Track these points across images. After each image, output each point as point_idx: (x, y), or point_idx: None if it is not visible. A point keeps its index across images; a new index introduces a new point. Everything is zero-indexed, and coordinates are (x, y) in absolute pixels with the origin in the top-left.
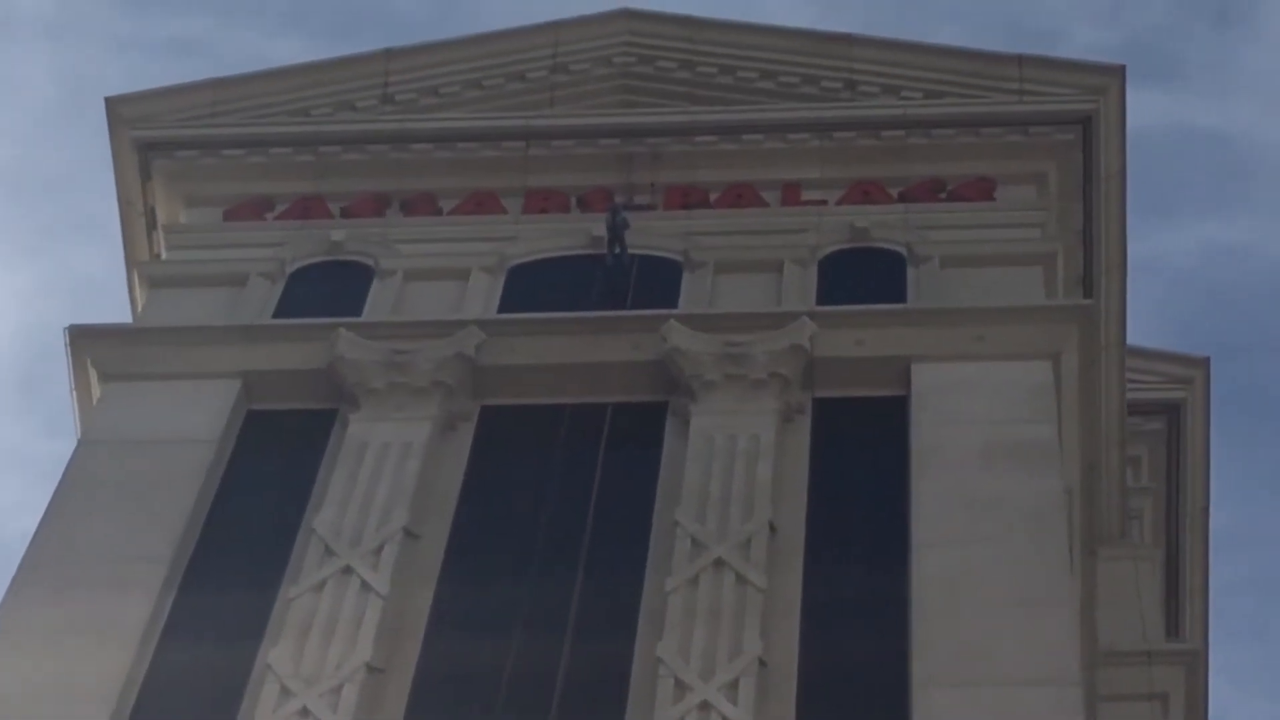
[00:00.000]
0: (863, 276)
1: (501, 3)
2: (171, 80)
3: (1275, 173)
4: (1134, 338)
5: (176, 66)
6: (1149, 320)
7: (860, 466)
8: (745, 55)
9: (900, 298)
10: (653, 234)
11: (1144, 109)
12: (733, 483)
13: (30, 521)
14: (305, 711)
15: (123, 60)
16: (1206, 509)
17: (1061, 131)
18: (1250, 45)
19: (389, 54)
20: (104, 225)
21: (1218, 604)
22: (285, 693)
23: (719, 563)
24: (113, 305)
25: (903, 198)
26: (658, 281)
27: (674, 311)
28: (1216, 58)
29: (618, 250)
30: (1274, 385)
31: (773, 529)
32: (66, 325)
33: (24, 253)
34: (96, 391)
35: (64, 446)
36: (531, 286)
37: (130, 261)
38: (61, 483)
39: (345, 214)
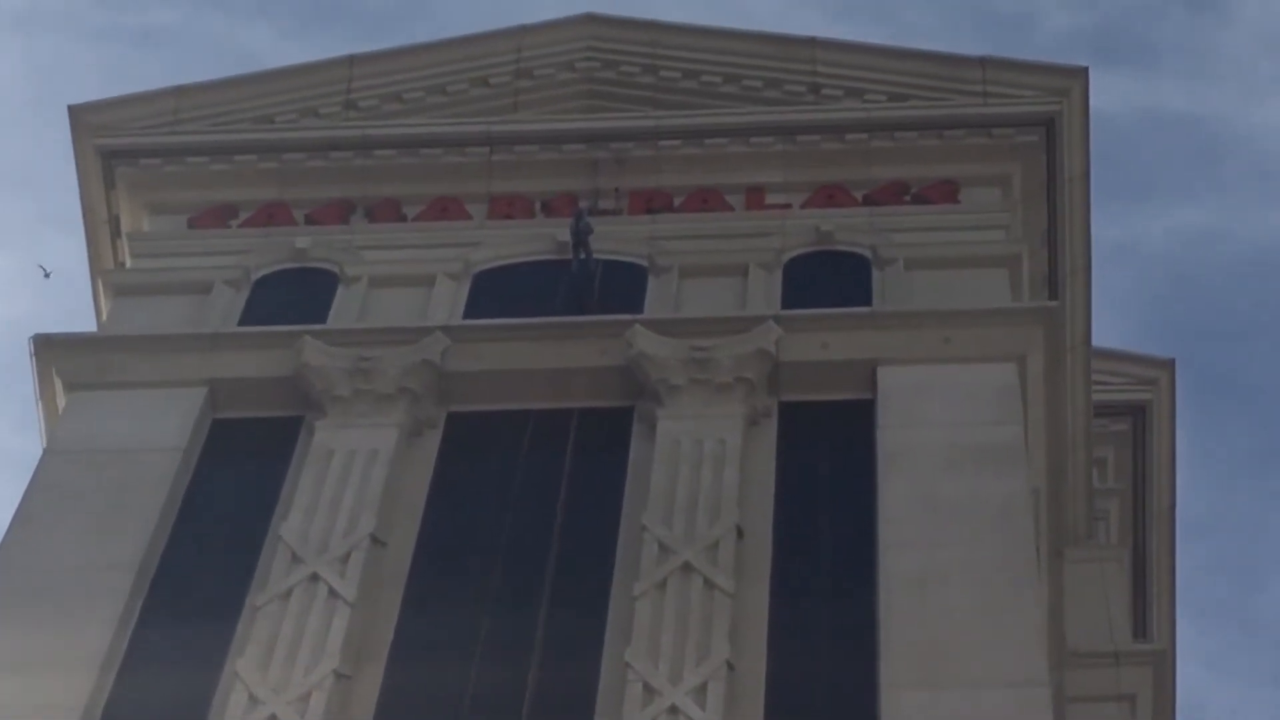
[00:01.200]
0: (828, 280)
1: None
2: (142, 70)
3: (1247, 157)
4: (1105, 324)
5: (146, 57)
6: (1120, 306)
7: (827, 469)
8: (708, 59)
9: (865, 301)
10: (617, 239)
11: (1115, 93)
12: (700, 487)
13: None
14: (274, 719)
15: (93, 51)
16: (1173, 509)
17: (1025, 133)
18: (1223, 29)
19: (352, 60)
20: (76, 219)
21: (1190, 590)
22: (253, 700)
23: (686, 567)
24: (86, 299)
25: (867, 201)
26: (623, 286)
27: (639, 316)
28: (1189, 41)
29: (582, 255)
30: (1244, 369)
31: (740, 533)
32: (31, 335)
33: None
34: (62, 400)
35: (34, 444)
36: (497, 292)
37: (95, 270)
38: (28, 492)
39: (309, 221)
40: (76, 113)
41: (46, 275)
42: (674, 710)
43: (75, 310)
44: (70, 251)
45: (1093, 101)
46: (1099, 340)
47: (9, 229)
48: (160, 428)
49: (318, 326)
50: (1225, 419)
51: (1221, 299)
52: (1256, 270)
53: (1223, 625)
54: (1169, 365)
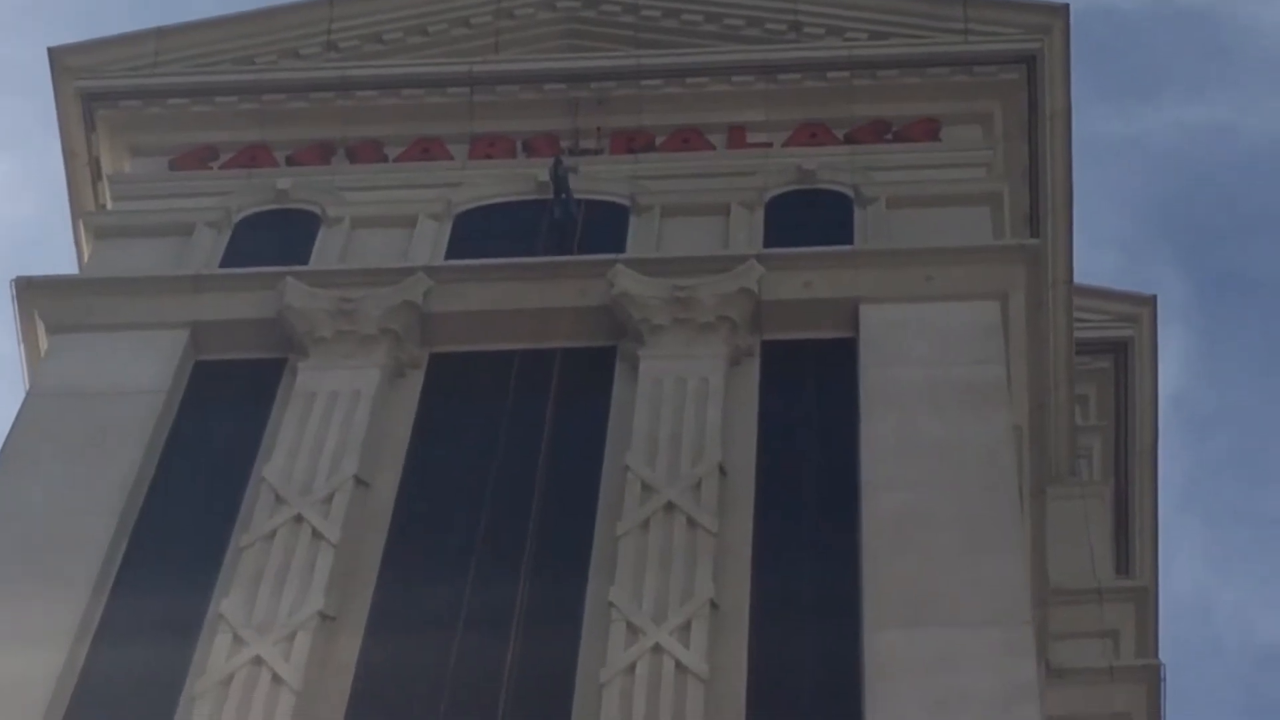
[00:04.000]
0: (810, 219)
1: None
2: None
3: (1258, 52)
4: (1116, 219)
5: None
6: (1129, 204)
7: (809, 408)
8: None
9: (847, 239)
10: (599, 178)
11: None
12: (682, 426)
13: None
14: (258, 660)
15: None
16: (1155, 446)
17: (1006, 71)
18: None
19: (332, 1)
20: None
21: (1198, 488)
22: (238, 641)
23: (670, 506)
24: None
25: (849, 139)
26: (605, 226)
27: (621, 256)
28: None
29: (563, 196)
30: (1255, 265)
31: (723, 472)
32: (13, 278)
33: None
34: (44, 343)
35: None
36: (479, 232)
37: (76, 212)
38: (10, 435)
39: (291, 162)
40: (56, 55)
41: None
42: (658, 649)
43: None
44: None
45: None
46: (1101, 248)
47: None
48: (143, 370)
49: (300, 268)
50: (1235, 315)
51: (1232, 194)
52: (1267, 165)
53: (1231, 523)
54: (1150, 302)
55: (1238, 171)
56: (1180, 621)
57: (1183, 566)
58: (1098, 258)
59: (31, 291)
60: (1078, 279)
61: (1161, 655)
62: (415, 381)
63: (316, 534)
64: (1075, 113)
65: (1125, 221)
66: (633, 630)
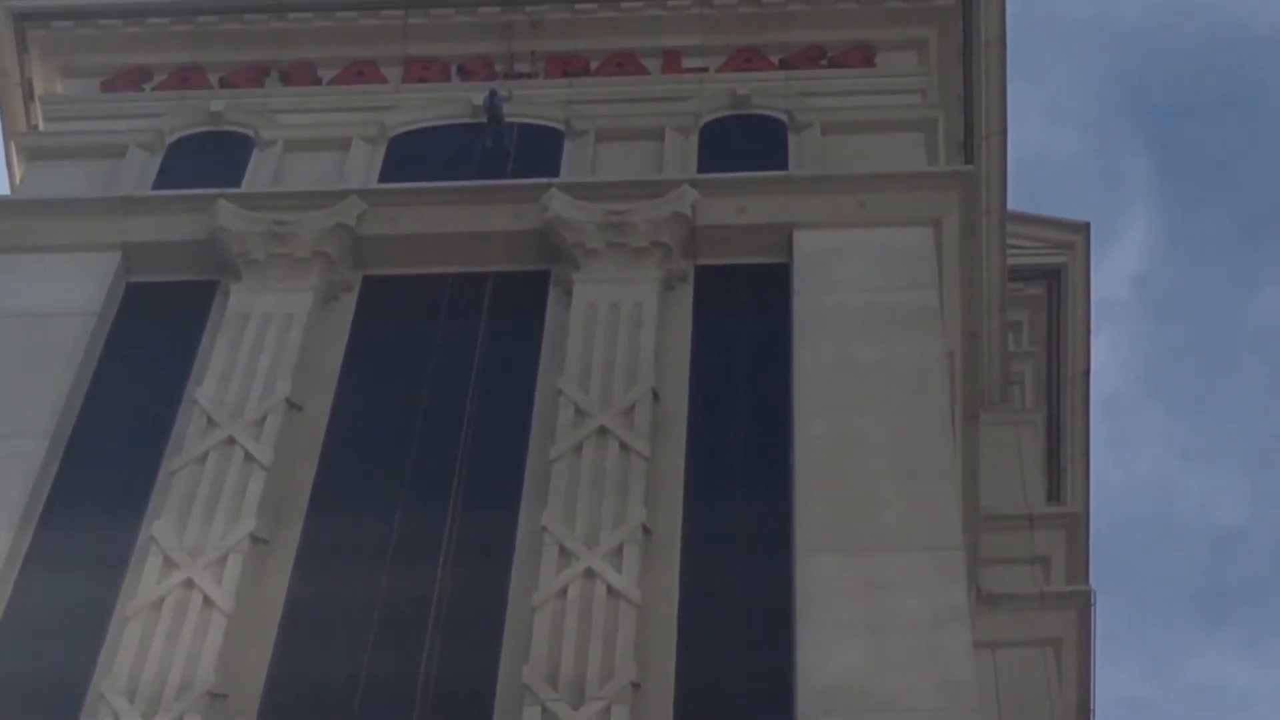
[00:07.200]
0: (744, 144)
1: None
2: None
3: None
4: (1083, 101)
5: None
6: (1095, 85)
7: (743, 334)
8: None
9: (782, 165)
10: (533, 102)
11: None
12: (615, 351)
13: None
14: (190, 583)
15: None
16: (1087, 373)
17: None
18: None
19: None
20: None
21: (1161, 375)
22: (169, 565)
23: (602, 431)
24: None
25: (784, 64)
26: (539, 150)
27: (555, 180)
28: None
29: (498, 129)
30: (1218, 146)
31: (656, 396)
32: None
33: None
34: None
35: None
36: (412, 156)
37: (7, 133)
38: None
39: (224, 84)
40: None
41: None
42: (590, 573)
43: None
44: None
45: None
46: (1065, 128)
47: None
48: (74, 291)
49: (232, 190)
50: (1199, 197)
51: (1197, 75)
52: (1233, 46)
53: (1193, 410)
54: (1084, 229)
55: (1204, 52)
56: (1141, 506)
57: (1144, 451)
58: (1062, 138)
59: None
60: (1041, 163)
61: (1121, 540)
62: (348, 304)
63: (248, 457)
64: None
65: (1090, 101)
66: (565, 554)
